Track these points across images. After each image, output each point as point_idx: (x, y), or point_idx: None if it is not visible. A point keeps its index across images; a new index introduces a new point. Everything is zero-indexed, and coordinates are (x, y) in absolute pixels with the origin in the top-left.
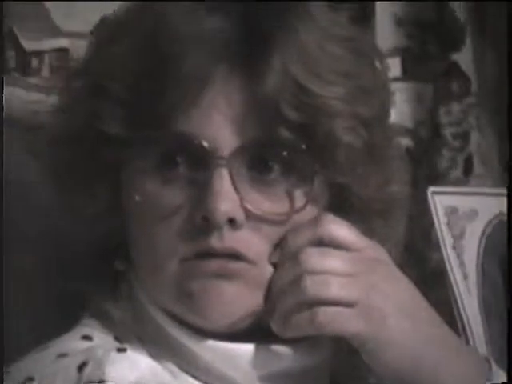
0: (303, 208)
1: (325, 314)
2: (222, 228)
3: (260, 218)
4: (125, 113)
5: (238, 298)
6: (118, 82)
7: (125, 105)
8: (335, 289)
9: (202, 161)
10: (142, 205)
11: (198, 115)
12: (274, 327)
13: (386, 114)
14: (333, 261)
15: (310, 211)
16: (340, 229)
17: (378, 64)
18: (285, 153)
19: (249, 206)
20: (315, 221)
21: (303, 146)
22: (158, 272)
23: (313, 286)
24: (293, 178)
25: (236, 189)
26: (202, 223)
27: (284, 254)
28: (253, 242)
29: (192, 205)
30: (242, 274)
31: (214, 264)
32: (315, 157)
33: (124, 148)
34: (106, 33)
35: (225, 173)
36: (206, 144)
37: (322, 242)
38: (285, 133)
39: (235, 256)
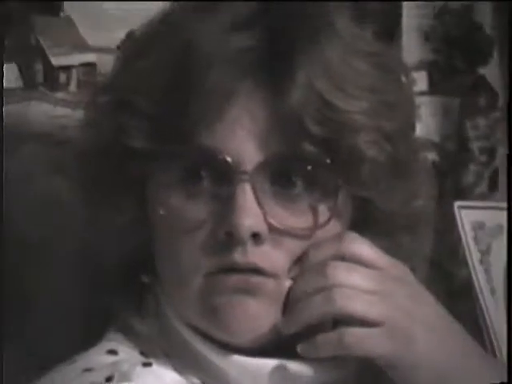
0: (327, 223)
1: (352, 334)
2: (245, 243)
3: (283, 232)
4: (150, 127)
5: (261, 313)
6: (143, 97)
7: (150, 119)
8: (363, 305)
9: (225, 175)
10: (166, 219)
11: (221, 130)
12: (299, 347)
13: (411, 128)
14: (359, 277)
15: (334, 226)
16: (362, 247)
17: (403, 78)
18: (308, 167)
19: (272, 221)
20: (338, 238)
21: (327, 161)
22: (182, 286)
23: (341, 300)
24: (316, 192)
25: (259, 204)
26: (226, 238)
27: (304, 268)
28: (275, 257)
29: (215, 220)
30: (264, 288)
31: (237, 279)
32: (339, 171)
33: (149, 162)
34: (132, 48)
35: (248, 188)
36: (229, 159)
37: (343, 260)
38: (309, 147)
39: (257, 271)
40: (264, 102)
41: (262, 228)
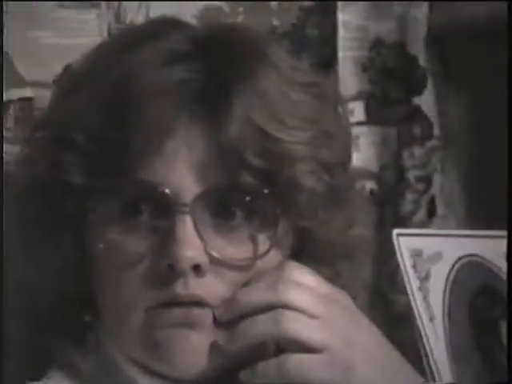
0: (267, 253)
1: (293, 361)
2: (186, 275)
3: (224, 263)
4: (88, 162)
5: (204, 346)
6: (80, 132)
7: (87, 155)
8: (306, 330)
9: (165, 208)
10: (105, 253)
11: (160, 163)
12: (242, 376)
13: (349, 158)
14: (305, 299)
15: (274, 256)
16: (304, 275)
17: (339, 109)
18: (247, 198)
19: (213, 252)
20: (279, 267)
21: (265, 191)
22: (123, 322)
23: (287, 322)
24: (256, 222)
25: (200, 235)
26: (167, 271)
27: (252, 283)
28: (217, 289)
29: (155, 253)
30: (206, 320)
31: (179, 312)
32: (278, 201)
33: (87, 197)
34: (68, 82)
35: (188, 219)
36: (168, 191)
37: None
38: (248, 178)
39: (199, 303)
40: (202, 134)
41: (202, 259)
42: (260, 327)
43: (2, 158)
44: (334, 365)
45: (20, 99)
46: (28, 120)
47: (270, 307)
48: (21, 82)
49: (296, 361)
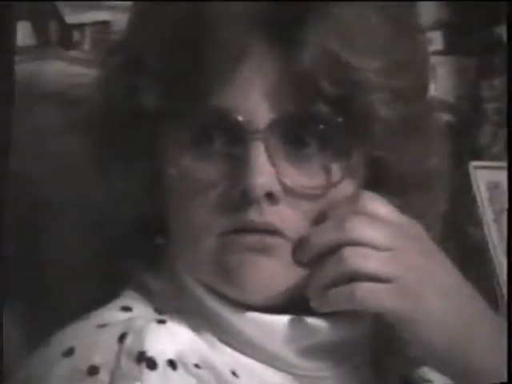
0: (340, 182)
1: (362, 289)
2: (260, 202)
3: (297, 192)
4: (162, 87)
5: (275, 273)
6: (156, 56)
7: (162, 78)
8: (374, 263)
9: (237, 135)
10: (177, 179)
11: (233, 89)
12: (312, 302)
13: (425, 87)
14: (375, 232)
15: (347, 186)
16: (378, 205)
17: (417, 39)
18: (321, 127)
19: (285, 180)
20: (353, 197)
21: (339, 120)
22: (195, 247)
23: (352, 258)
24: (329, 152)
25: (272, 163)
26: (240, 198)
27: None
28: (290, 218)
29: (228, 180)
30: (280, 249)
31: (252, 239)
32: (352, 131)
33: (161, 122)
34: (146, 7)
35: (261, 147)
36: (241, 118)
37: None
38: (321, 107)
39: (273, 231)
40: (276, 61)
41: (275, 187)
42: (329, 268)
43: (10, 118)
44: (403, 294)
45: (96, 22)
46: (104, 43)
47: (340, 245)
48: (98, 6)
49: (366, 288)
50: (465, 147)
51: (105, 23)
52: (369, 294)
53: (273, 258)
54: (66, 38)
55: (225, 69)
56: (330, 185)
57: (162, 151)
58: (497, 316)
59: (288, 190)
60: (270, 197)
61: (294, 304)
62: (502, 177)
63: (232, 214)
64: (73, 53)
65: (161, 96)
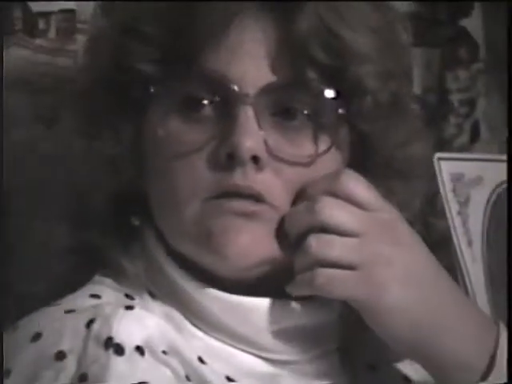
0: (327, 151)
1: (323, 275)
2: (245, 165)
3: (283, 160)
4: (153, 49)
5: (257, 240)
6: (147, 20)
7: (153, 42)
8: (338, 250)
9: (227, 98)
10: (165, 142)
11: (225, 53)
12: (287, 287)
13: (411, 73)
14: (345, 217)
15: (333, 158)
16: (358, 186)
17: (401, 28)
18: (311, 97)
19: (272, 146)
20: (335, 174)
21: (330, 91)
22: (179, 212)
23: (316, 246)
24: (317, 122)
25: (260, 127)
26: (226, 161)
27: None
28: (275, 186)
29: (216, 142)
30: (263, 216)
31: (237, 203)
32: (341, 102)
33: (151, 84)
34: None
35: (250, 111)
36: (232, 81)
37: (337, 197)
38: (312, 75)
39: (257, 198)
40: (270, 26)
41: (261, 151)
42: (297, 254)
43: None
44: (366, 282)
45: (62, 10)
46: (71, 31)
47: (309, 229)
48: None
49: (327, 275)
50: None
51: (71, 12)
52: (329, 280)
53: (256, 225)
54: (31, 26)
55: (216, 32)
56: (317, 154)
57: (150, 113)
58: (470, 303)
59: (274, 156)
60: (256, 161)
61: (269, 286)
62: (467, 168)
63: (217, 178)
64: (38, 41)
65: (152, 59)
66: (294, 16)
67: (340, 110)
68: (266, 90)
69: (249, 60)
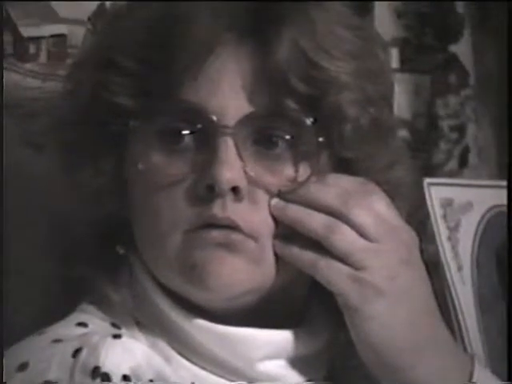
0: (307, 180)
1: (326, 263)
2: (225, 196)
3: (263, 188)
4: (133, 83)
5: (239, 270)
6: (126, 54)
7: (133, 75)
8: (351, 245)
9: (207, 130)
10: (145, 175)
11: (205, 84)
12: (276, 243)
13: (391, 97)
14: (369, 222)
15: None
16: (382, 205)
17: (381, 52)
18: (291, 126)
19: (253, 175)
20: (363, 190)
21: (310, 119)
22: (161, 244)
23: (335, 231)
24: (298, 152)
25: (241, 158)
26: (206, 192)
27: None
28: (253, 217)
29: (196, 174)
30: (243, 246)
31: (217, 234)
32: (321, 130)
33: (130, 119)
34: (116, 9)
35: (230, 142)
36: (212, 113)
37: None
38: (292, 104)
39: (235, 228)
40: (249, 56)
41: (241, 182)
42: (308, 223)
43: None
44: (363, 285)
45: (53, 35)
46: (61, 56)
47: (335, 213)
48: (55, 19)
49: (330, 264)
50: (420, 164)
51: (61, 36)
52: (330, 269)
53: (236, 255)
54: (22, 50)
55: (195, 64)
56: (297, 183)
57: (130, 146)
58: (448, 333)
59: (254, 185)
60: (236, 192)
61: (257, 315)
62: (456, 194)
63: (197, 209)
64: (28, 65)
65: (132, 93)
66: (273, 47)
67: (320, 139)
68: (246, 121)
69: (228, 91)
